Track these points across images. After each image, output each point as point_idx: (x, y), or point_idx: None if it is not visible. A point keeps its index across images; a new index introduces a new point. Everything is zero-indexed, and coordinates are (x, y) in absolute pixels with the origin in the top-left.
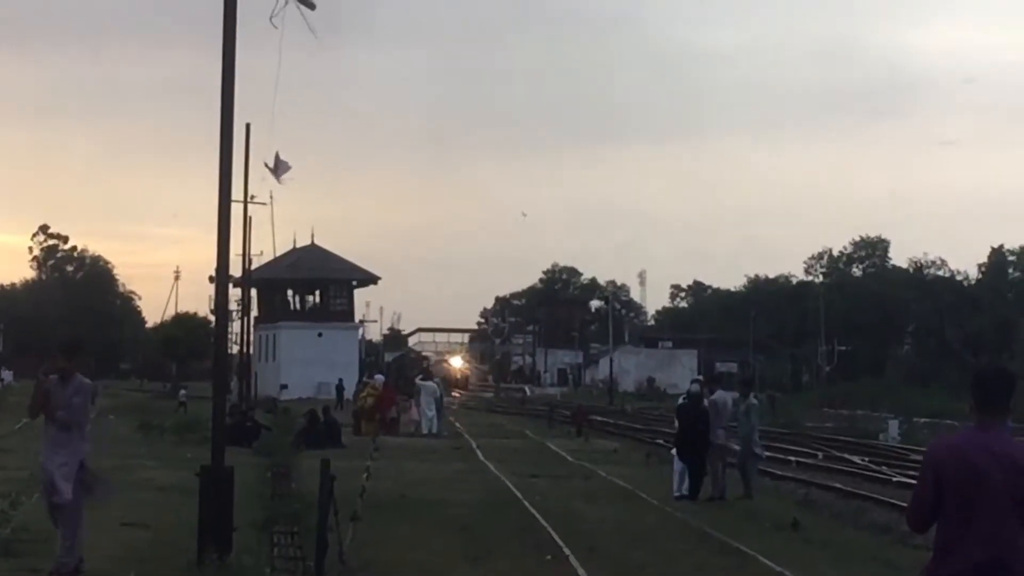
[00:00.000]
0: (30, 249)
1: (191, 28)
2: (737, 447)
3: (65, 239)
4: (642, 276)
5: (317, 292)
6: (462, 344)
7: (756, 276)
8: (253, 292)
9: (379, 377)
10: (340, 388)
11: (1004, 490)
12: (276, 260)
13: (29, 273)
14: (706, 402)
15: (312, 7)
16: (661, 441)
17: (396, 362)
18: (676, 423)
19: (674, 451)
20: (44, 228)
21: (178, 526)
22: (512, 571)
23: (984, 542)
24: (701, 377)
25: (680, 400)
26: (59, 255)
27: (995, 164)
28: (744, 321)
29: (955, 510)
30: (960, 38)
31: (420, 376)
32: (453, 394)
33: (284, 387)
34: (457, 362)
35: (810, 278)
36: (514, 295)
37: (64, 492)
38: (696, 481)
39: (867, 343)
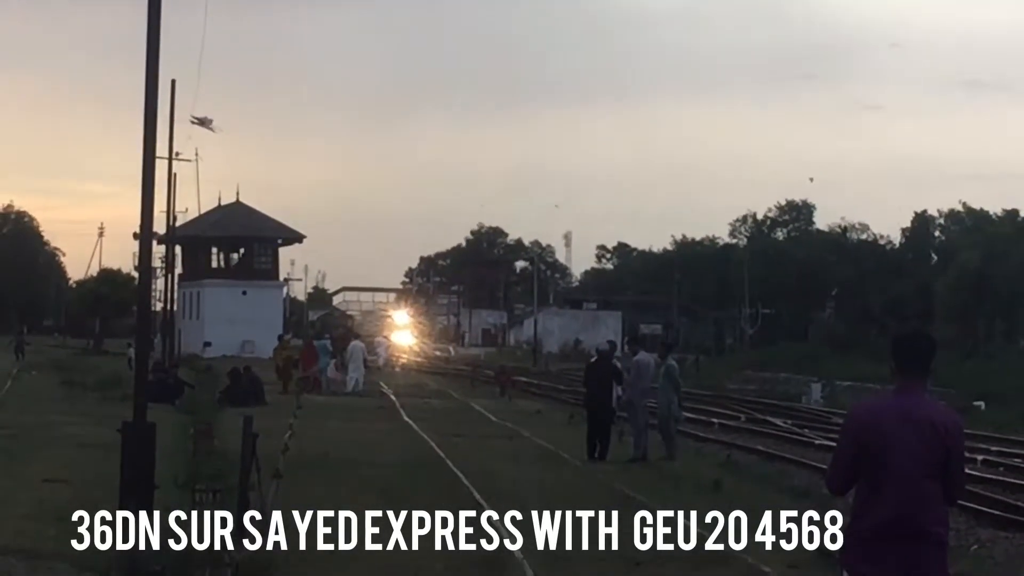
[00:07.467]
0: None
1: None
2: (655, 408)
3: None
4: (567, 237)
5: (241, 250)
6: (387, 302)
7: (681, 238)
8: (178, 249)
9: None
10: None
11: (920, 453)
12: (201, 217)
13: None
14: (618, 364)
15: None
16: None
17: (320, 320)
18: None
19: (586, 413)
20: None
21: (99, 482)
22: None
23: (898, 502)
24: (612, 340)
25: (592, 360)
26: None
27: (920, 129)
28: (668, 283)
29: (872, 472)
30: (886, 3)
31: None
32: (400, 357)
33: (208, 345)
34: (402, 317)
35: (734, 241)
36: (439, 255)
37: None
38: (604, 441)
39: (790, 307)
